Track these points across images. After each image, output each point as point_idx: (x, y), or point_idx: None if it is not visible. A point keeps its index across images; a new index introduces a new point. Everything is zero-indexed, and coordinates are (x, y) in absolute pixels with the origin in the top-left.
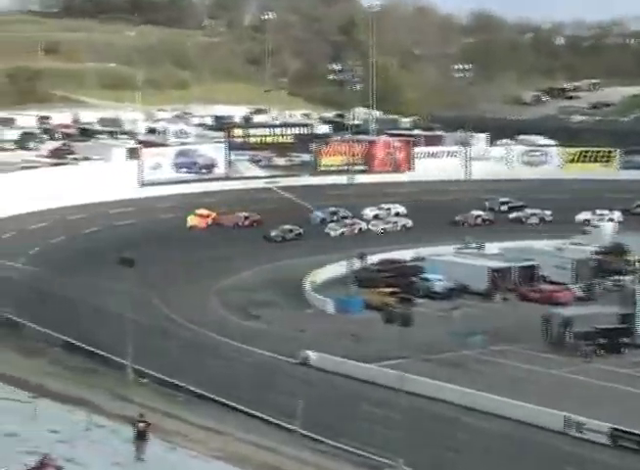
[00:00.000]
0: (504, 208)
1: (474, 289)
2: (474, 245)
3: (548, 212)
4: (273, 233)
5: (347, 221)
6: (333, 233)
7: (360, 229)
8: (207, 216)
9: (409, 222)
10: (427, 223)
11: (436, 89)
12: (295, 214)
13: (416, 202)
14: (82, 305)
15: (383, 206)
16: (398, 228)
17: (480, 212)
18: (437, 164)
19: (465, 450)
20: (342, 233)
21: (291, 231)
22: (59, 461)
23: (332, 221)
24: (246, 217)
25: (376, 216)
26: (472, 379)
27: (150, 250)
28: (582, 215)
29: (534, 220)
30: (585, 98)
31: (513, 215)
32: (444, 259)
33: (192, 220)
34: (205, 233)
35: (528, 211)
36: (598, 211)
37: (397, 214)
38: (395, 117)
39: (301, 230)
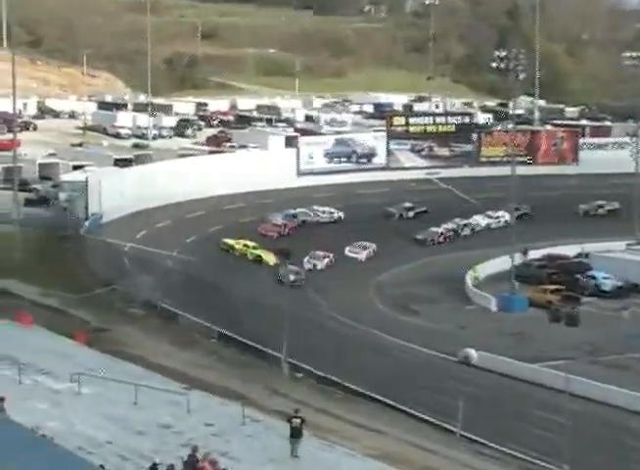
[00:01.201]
0: (410, 214)
1: None
2: None
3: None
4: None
5: (319, 253)
6: (319, 266)
7: (331, 262)
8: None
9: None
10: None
11: (605, 77)
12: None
13: (584, 198)
14: (237, 296)
15: (316, 208)
16: (372, 254)
17: (440, 229)
18: (605, 157)
19: (634, 458)
20: (317, 266)
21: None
22: (213, 455)
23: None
24: (284, 225)
25: (304, 222)
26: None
27: (306, 240)
28: (477, 219)
29: (467, 232)
30: None
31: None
32: (612, 256)
33: (269, 257)
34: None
35: (459, 221)
36: (490, 213)
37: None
38: (560, 106)
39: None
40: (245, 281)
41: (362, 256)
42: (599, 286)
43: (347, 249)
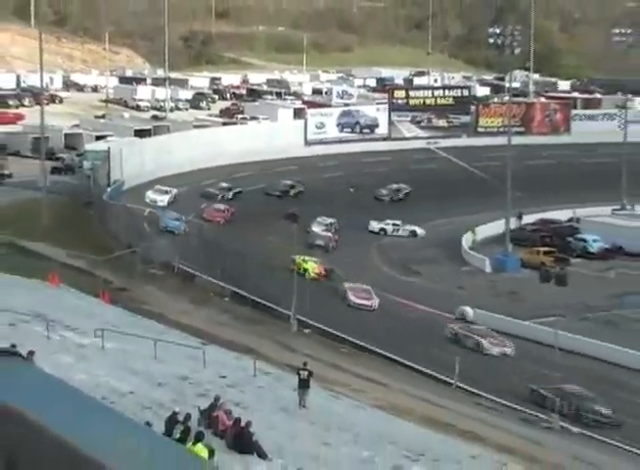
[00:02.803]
0: (230, 195)
1: (629, 250)
2: (629, 207)
3: None
4: None
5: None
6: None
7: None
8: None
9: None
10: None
11: (596, 52)
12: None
13: (575, 166)
14: (249, 258)
15: (162, 188)
16: None
17: (326, 232)
18: (595, 127)
19: (617, 406)
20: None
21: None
22: (228, 405)
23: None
24: (226, 209)
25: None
26: (628, 338)
27: (314, 206)
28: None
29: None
30: None
31: None
32: (600, 221)
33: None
34: None
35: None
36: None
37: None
38: (554, 79)
39: None
40: (258, 242)
41: (374, 303)
42: (587, 248)
43: (350, 294)
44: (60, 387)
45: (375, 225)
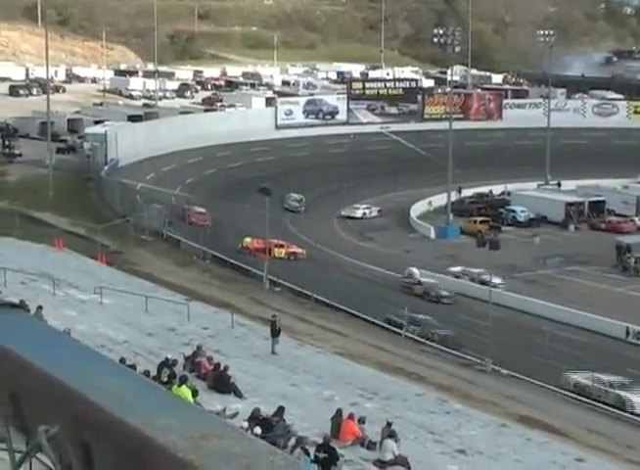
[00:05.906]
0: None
1: (551, 219)
2: (553, 182)
3: None
4: None
5: None
6: None
7: None
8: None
9: None
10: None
11: (523, 50)
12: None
13: (506, 147)
14: (228, 226)
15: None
16: None
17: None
18: (523, 114)
19: (544, 354)
20: None
21: None
22: (209, 352)
23: None
24: (206, 212)
25: None
26: (550, 294)
27: (284, 181)
28: None
29: None
30: None
31: None
32: (527, 194)
33: None
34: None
35: None
36: None
37: None
38: (488, 73)
39: None
40: (235, 212)
41: None
42: (516, 218)
43: None
44: (57, 335)
45: (357, 211)
